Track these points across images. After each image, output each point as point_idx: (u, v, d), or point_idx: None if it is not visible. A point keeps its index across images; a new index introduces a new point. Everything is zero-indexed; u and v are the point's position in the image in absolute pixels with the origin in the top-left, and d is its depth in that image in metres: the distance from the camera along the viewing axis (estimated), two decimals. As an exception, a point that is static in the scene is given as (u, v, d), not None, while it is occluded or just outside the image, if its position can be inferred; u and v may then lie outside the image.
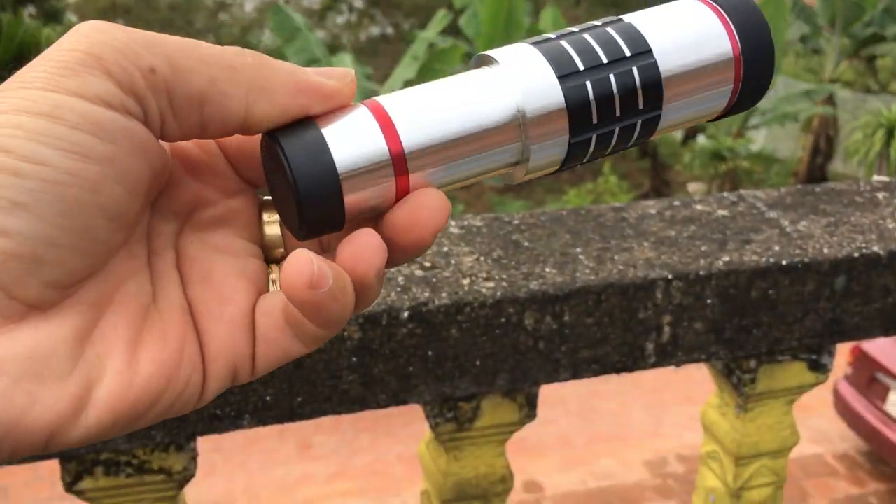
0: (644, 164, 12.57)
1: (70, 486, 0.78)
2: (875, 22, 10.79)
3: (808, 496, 4.49)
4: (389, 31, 18.89)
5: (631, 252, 0.86)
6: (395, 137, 0.30)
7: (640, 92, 0.32)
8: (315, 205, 0.30)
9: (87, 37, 0.28)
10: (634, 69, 0.32)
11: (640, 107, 0.32)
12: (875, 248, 0.89)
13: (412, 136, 0.31)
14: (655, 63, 0.32)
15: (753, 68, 0.34)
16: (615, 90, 0.32)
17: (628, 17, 0.33)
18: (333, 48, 14.50)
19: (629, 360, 0.85)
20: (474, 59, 0.34)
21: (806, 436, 4.87)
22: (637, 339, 0.84)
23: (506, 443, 0.94)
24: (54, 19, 9.11)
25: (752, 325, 0.88)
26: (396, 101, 0.31)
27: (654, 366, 0.87)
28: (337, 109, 0.31)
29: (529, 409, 0.91)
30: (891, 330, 0.95)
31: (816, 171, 11.21)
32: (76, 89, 0.27)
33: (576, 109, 0.32)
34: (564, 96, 0.31)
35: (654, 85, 0.32)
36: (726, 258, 0.86)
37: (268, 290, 0.35)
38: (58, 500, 4.58)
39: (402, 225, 0.32)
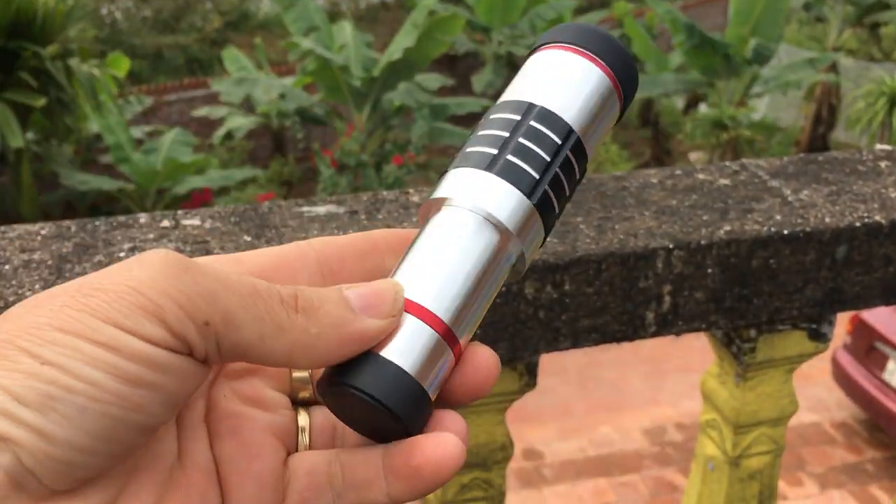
0: (645, 133, 12.51)
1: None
2: (879, -11, 10.69)
3: (805, 464, 4.53)
4: (389, -2, 18.70)
5: (632, 221, 0.86)
6: (436, 321, 0.33)
7: (576, 167, 0.37)
8: (415, 419, 0.33)
9: (153, 280, 0.30)
10: (569, 153, 0.37)
11: (577, 176, 0.38)
12: (877, 218, 0.89)
13: (447, 309, 0.34)
14: (579, 137, 0.37)
15: (627, 84, 0.39)
16: (563, 180, 0.37)
17: (535, 99, 0.37)
18: (333, 15, 14.34)
19: (629, 329, 0.85)
20: (427, 204, 0.37)
21: (804, 404, 4.89)
22: (637, 308, 0.84)
23: (506, 411, 0.95)
24: (50, -14, 9.00)
25: (752, 294, 0.88)
26: (416, 285, 0.34)
27: (654, 335, 0.87)
28: None
29: (529, 377, 0.91)
30: (891, 299, 0.95)
31: (818, 139, 11.16)
32: (132, 329, 0.29)
33: (545, 213, 0.36)
34: (536, 208, 0.36)
35: (582, 153, 0.37)
36: (727, 227, 0.85)
37: (296, 443, 0.36)
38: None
39: (464, 389, 0.35)
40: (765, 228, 0.86)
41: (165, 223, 0.82)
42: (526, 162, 0.36)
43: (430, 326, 0.33)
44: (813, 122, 11.19)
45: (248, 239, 0.80)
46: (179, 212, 0.85)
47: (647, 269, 0.83)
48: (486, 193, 0.35)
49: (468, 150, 0.37)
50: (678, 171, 0.99)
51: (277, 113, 10.34)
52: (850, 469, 4.48)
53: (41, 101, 7.63)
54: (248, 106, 11.11)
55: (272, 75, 11.15)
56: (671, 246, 0.82)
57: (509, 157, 0.36)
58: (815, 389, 5.12)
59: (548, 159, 0.36)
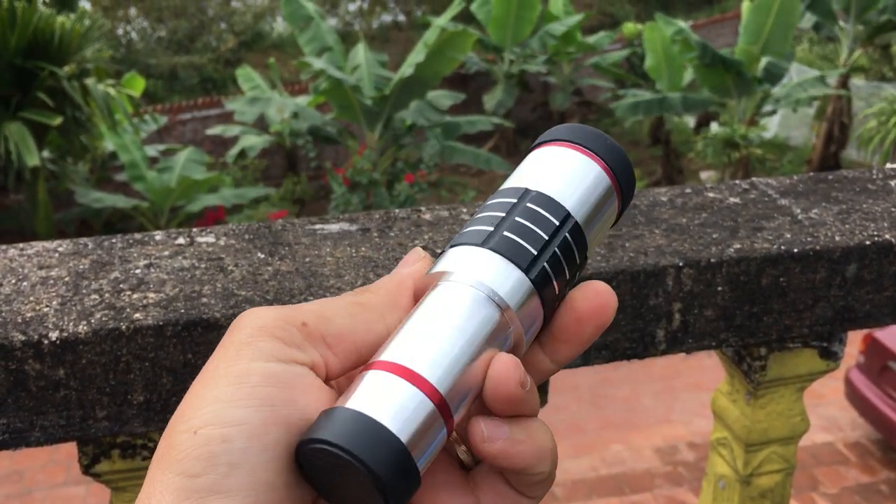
0: (656, 151, 12.51)
1: (87, 469, 0.80)
2: (890, 9, 10.69)
3: (819, 484, 4.49)
4: (401, 18, 18.82)
5: (642, 239, 0.86)
6: (432, 390, 0.33)
7: (575, 250, 0.37)
8: (400, 492, 0.31)
9: (250, 321, 0.35)
10: (567, 235, 0.37)
11: (578, 261, 0.38)
12: (887, 236, 0.89)
13: (442, 380, 0.33)
14: (577, 222, 0.37)
15: (625, 184, 0.40)
16: (563, 261, 0.37)
17: (531, 185, 0.38)
18: (345, 36, 14.44)
19: (640, 347, 0.86)
20: (425, 279, 0.37)
21: (817, 424, 4.87)
22: (648, 325, 0.85)
23: (517, 428, 0.95)
24: (68, 7, 9.10)
25: (762, 312, 0.88)
26: (413, 354, 0.33)
27: (664, 352, 0.87)
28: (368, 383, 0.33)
29: (541, 394, 0.92)
30: (902, 317, 0.95)
31: (830, 158, 11.13)
32: (252, 355, 0.33)
33: (544, 290, 0.36)
34: (533, 284, 0.35)
35: (581, 238, 0.38)
36: (737, 245, 0.86)
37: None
38: (73, 485, 4.63)
39: (578, 319, 0.37)
40: (774, 247, 0.86)
41: (181, 240, 0.83)
42: (523, 238, 0.36)
43: (426, 395, 0.32)
44: (824, 141, 11.16)
45: (262, 256, 0.81)
46: (194, 229, 0.86)
47: (658, 287, 0.83)
48: (483, 268, 0.35)
49: (466, 229, 0.37)
50: (688, 190, 0.99)
51: (290, 132, 10.40)
52: (863, 489, 4.44)
53: (57, 120, 7.71)
54: (261, 125, 11.18)
55: (285, 94, 11.23)
56: (681, 264, 0.83)
57: (505, 233, 0.36)
58: (828, 409, 5.09)
59: (545, 237, 0.36)
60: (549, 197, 0.37)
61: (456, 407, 0.33)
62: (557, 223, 0.36)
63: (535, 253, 0.36)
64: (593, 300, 0.37)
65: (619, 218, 0.41)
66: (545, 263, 0.36)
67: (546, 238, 0.36)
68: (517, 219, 0.36)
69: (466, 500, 0.36)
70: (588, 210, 0.38)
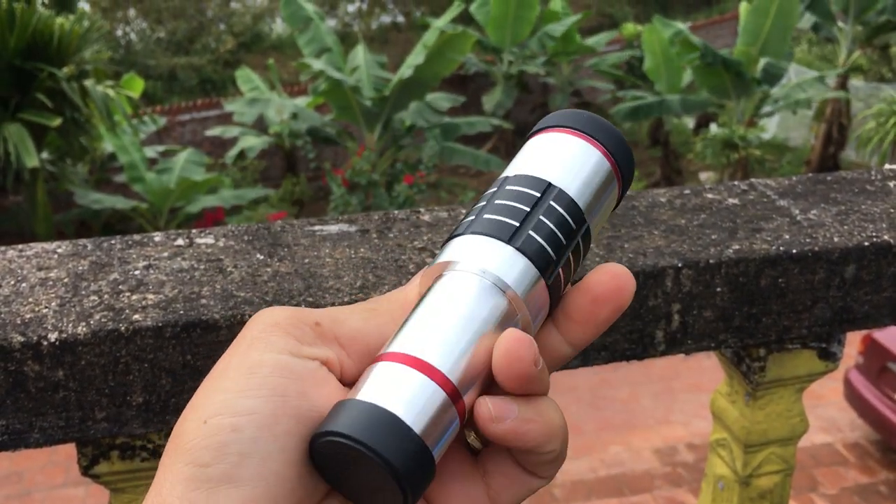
0: (655, 152, 12.51)
1: (86, 470, 0.80)
2: (889, 9, 10.69)
3: (818, 485, 4.49)
4: (400, 19, 18.83)
5: (641, 240, 0.86)
6: (443, 379, 0.33)
7: (582, 254, 0.38)
8: (417, 482, 0.31)
9: (264, 318, 0.35)
10: (580, 240, 0.37)
11: (574, 227, 0.37)
12: (886, 237, 0.89)
13: (454, 369, 0.33)
14: (589, 227, 0.38)
15: (626, 179, 0.40)
16: (572, 264, 0.37)
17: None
18: (344, 37, 14.44)
19: (639, 348, 0.86)
20: (426, 270, 0.37)
21: (816, 425, 4.87)
22: (647, 326, 0.85)
23: (516, 429, 0.95)
24: (67, 8, 9.10)
25: (761, 313, 0.88)
26: (422, 344, 0.33)
27: (663, 353, 0.88)
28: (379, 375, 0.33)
29: (539, 395, 0.92)
30: (901, 318, 0.95)
31: (829, 159, 11.14)
32: (265, 348, 0.33)
33: (554, 292, 0.36)
34: (548, 288, 0.36)
35: (589, 241, 0.38)
36: (736, 246, 0.86)
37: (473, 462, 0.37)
38: (72, 486, 4.62)
39: (593, 301, 0.37)
40: (773, 247, 0.86)
41: (180, 242, 0.83)
42: (502, 215, 0.36)
43: (438, 384, 0.32)
44: (823, 142, 11.17)
45: (261, 257, 0.81)
46: (193, 231, 0.86)
47: (657, 288, 0.83)
48: (485, 255, 0.35)
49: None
50: (687, 191, 0.99)
51: (289, 133, 10.41)
52: (863, 490, 4.44)
53: (56, 122, 7.71)
54: (260, 126, 11.18)
55: (284, 95, 11.23)
56: (680, 265, 0.83)
57: (486, 215, 0.36)
58: (827, 410, 5.09)
59: (526, 209, 0.36)
60: (528, 175, 0.37)
61: (466, 394, 0.33)
62: (538, 194, 0.37)
63: (517, 224, 0.36)
64: (610, 282, 0.36)
65: (623, 194, 0.40)
66: (531, 231, 0.36)
67: (527, 210, 0.36)
68: (496, 201, 0.37)
69: (476, 487, 0.36)
70: (598, 212, 0.38)
